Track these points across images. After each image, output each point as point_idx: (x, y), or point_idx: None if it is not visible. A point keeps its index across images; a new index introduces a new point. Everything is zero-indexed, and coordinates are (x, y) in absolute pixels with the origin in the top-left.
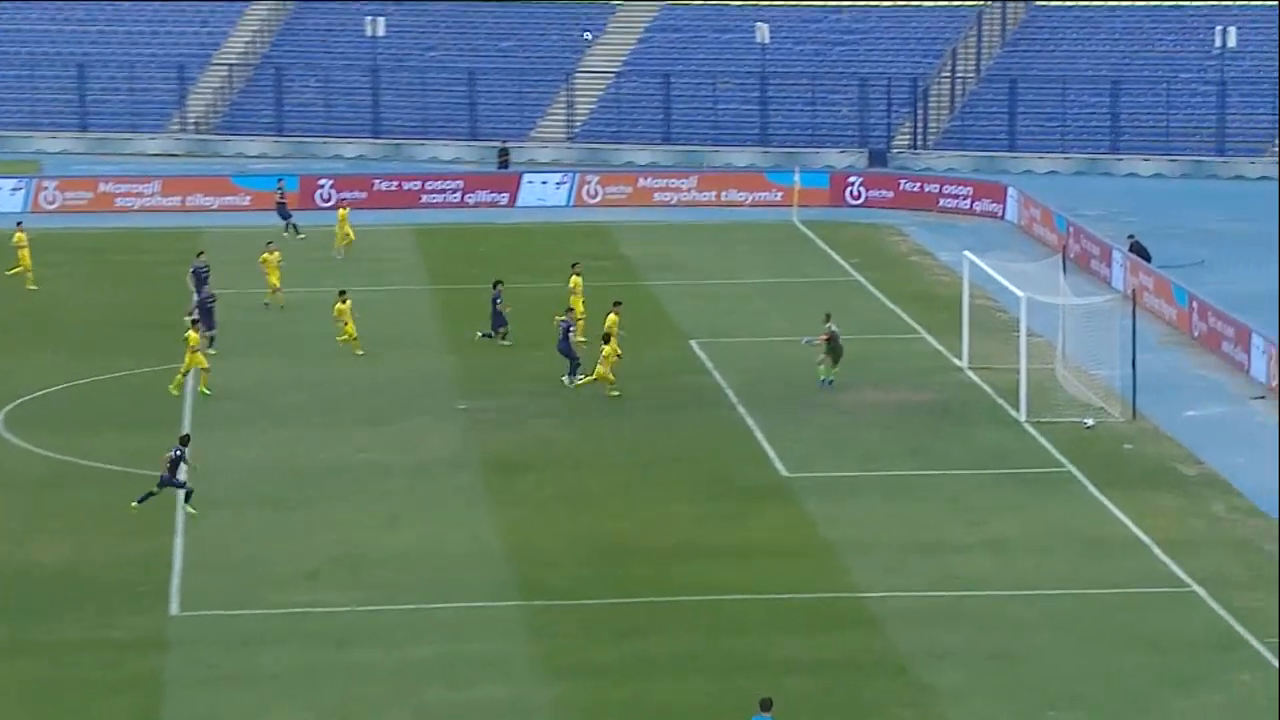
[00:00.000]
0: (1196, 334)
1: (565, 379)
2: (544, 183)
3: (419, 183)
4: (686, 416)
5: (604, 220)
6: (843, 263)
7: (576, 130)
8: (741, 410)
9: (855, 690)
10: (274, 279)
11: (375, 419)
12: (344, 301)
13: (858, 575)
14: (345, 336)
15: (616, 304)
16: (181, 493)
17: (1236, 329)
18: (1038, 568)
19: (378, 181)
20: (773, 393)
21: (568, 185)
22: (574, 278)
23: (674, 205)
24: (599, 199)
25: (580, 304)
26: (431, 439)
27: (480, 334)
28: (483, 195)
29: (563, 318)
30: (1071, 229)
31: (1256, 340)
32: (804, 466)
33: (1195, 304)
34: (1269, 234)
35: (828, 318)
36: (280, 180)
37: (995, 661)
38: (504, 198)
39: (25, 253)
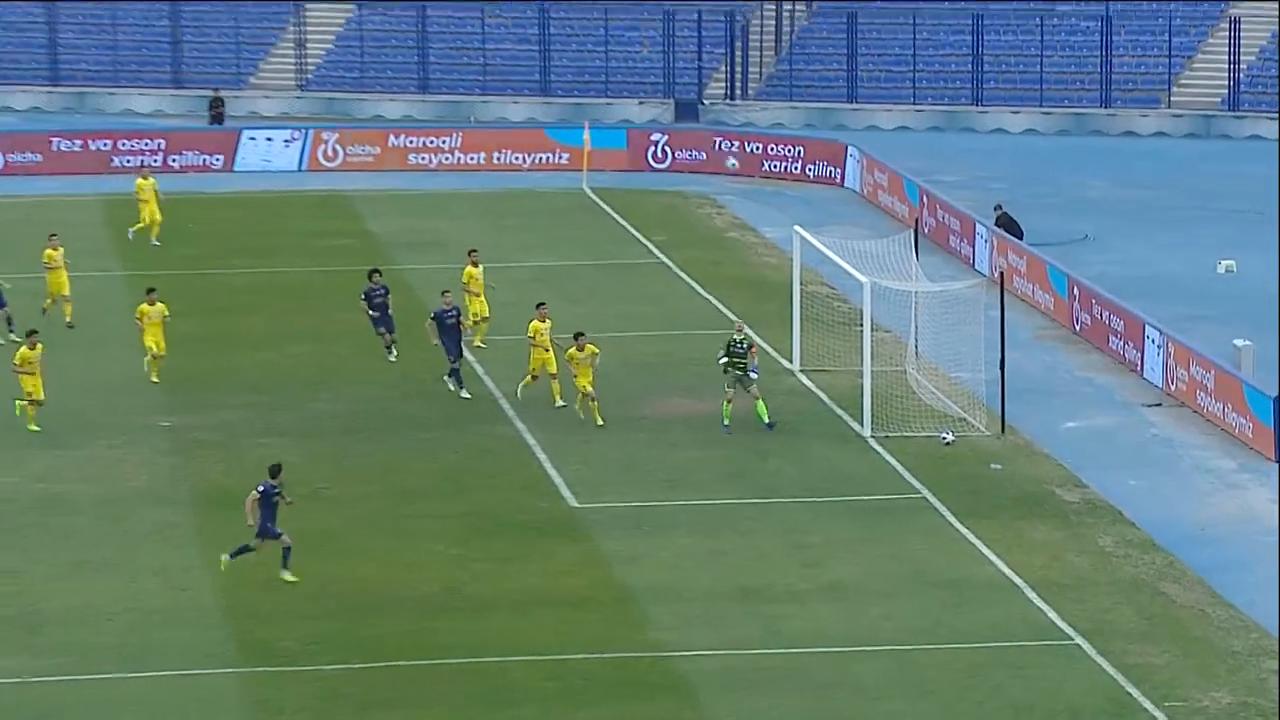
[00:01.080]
0: (1079, 327)
1: (447, 380)
2: (269, 140)
3: (109, 142)
4: (451, 435)
5: (345, 188)
6: (644, 240)
7: (309, 76)
8: (520, 425)
9: None
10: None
11: (55, 441)
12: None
13: (664, 630)
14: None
15: (540, 305)
16: (279, 546)
17: (1127, 321)
18: (886, 618)
19: (56, 140)
20: (556, 405)
21: (299, 144)
22: (469, 269)
23: (433, 170)
24: (338, 161)
25: (482, 305)
26: (126, 465)
27: (392, 353)
28: (191, 157)
29: (445, 306)
30: (926, 199)
31: (1151, 334)
32: (597, 495)
33: (1077, 290)
34: (1167, 202)
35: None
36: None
37: None
38: (218, 160)
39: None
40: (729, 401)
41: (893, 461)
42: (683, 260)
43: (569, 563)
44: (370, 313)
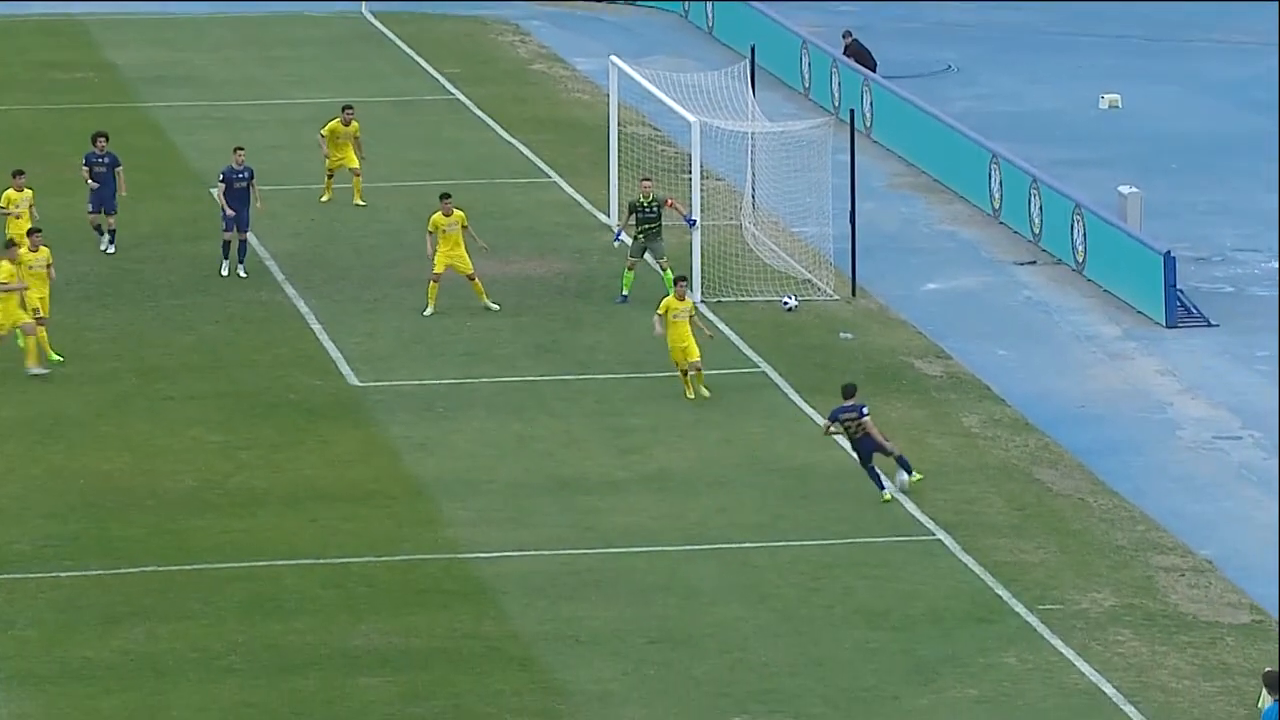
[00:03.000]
0: (937, 171)
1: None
2: None
3: None
4: (211, 301)
5: (78, 12)
6: (436, 74)
7: None
8: (291, 291)
9: (461, 692)
10: None
11: None
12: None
13: (460, 527)
14: None
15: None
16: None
17: (996, 165)
18: (720, 511)
19: None
20: (337, 267)
21: None
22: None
23: None
24: None
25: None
26: None
27: None
28: None
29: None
30: (765, 25)
31: (1022, 180)
32: (381, 372)
33: (940, 130)
34: (1043, 26)
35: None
36: None
37: (660, 647)
38: None
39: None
40: (631, 269)
41: (726, 330)
42: (482, 97)
43: (350, 451)
44: (90, 183)
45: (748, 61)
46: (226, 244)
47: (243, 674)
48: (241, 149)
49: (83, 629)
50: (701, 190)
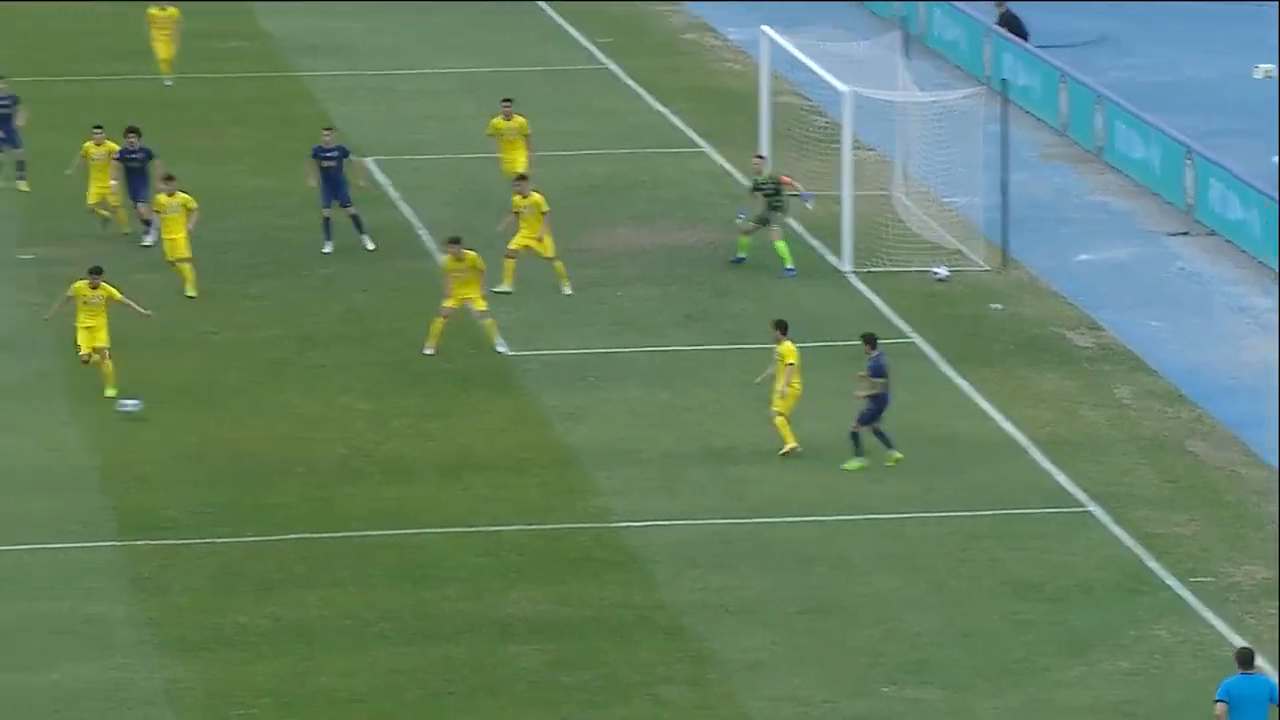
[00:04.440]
0: (1091, 142)
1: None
2: None
3: None
4: (360, 270)
5: None
6: (586, 44)
7: None
8: (440, 259)
9: (606, 660)
10: None
11: None
12: None
13: (611, 496)
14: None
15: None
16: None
17: (1150, 136)
18: (870, 481)
19: None
20: (485, 233)
21: None
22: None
23: None
24: None
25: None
26: None
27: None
28: None
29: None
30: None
31: (1177, 151)
32: (532, 341)
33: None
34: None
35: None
36: None
37: (811, 617)
38: None
39: None
40: (748, 234)
41: (876, 301)
42: (633, 67)
43: (500, 420)
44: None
45: (900, 31)
46: (326, 220)
47: (392, 641)
48: (330, 129)
49: (236, 595)
50: (853, 160)
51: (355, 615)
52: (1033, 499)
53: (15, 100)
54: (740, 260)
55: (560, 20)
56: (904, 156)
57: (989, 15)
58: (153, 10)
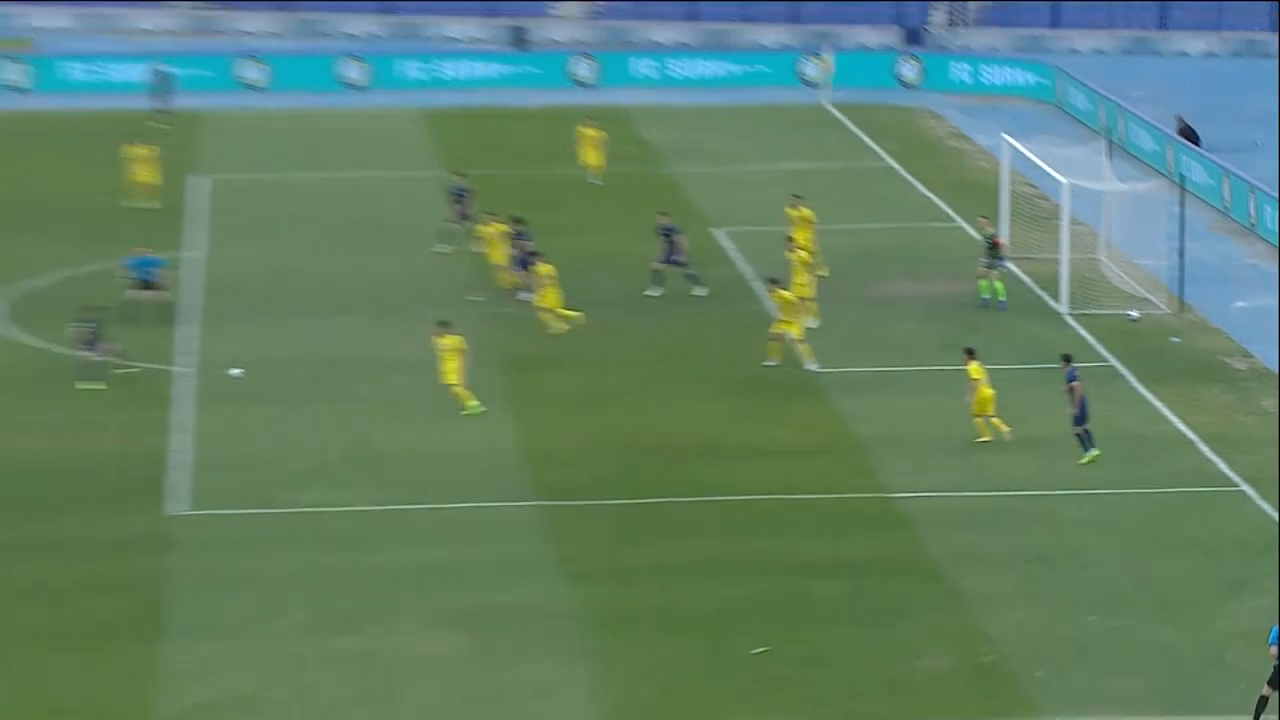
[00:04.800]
0: (1247, 220)
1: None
2: (562, 62)
3: (429, 62)
4: (710, 309)
5: (623, 102)
6: (876, 147)
7: (597, 7)
8: (768, 304)
9: (885, 594)
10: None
11: (384, 311)
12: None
13: (888, 475)
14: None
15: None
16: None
17: None
18: (1080, 466)
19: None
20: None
21: (586, 63)
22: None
23: (698, 87)
24: (619, 80)
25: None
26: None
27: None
28: (494, 74)
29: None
30: (1118, 111)
31: None
32: (833, 362)
33: (1248, 191)
34: None
35: (986, 220)
36: (159, 65)
37: (1035, 566)
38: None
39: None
40: (982, 278)
41: (1086, 335)
42: (908, 165)
43: (808, 418)
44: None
45: (1104, 139)
46: (657, 273)
47: (730, 575)
48: (665, 213)
49: (621, 542)
50: (1069, 232)
51: (707, 556)
52: (1201, 481)
53: (467, 190)
54: (987, 302)
55: (857, 130)
56: (1107, 229)
57: (1170, 126)
58: (584, 130)
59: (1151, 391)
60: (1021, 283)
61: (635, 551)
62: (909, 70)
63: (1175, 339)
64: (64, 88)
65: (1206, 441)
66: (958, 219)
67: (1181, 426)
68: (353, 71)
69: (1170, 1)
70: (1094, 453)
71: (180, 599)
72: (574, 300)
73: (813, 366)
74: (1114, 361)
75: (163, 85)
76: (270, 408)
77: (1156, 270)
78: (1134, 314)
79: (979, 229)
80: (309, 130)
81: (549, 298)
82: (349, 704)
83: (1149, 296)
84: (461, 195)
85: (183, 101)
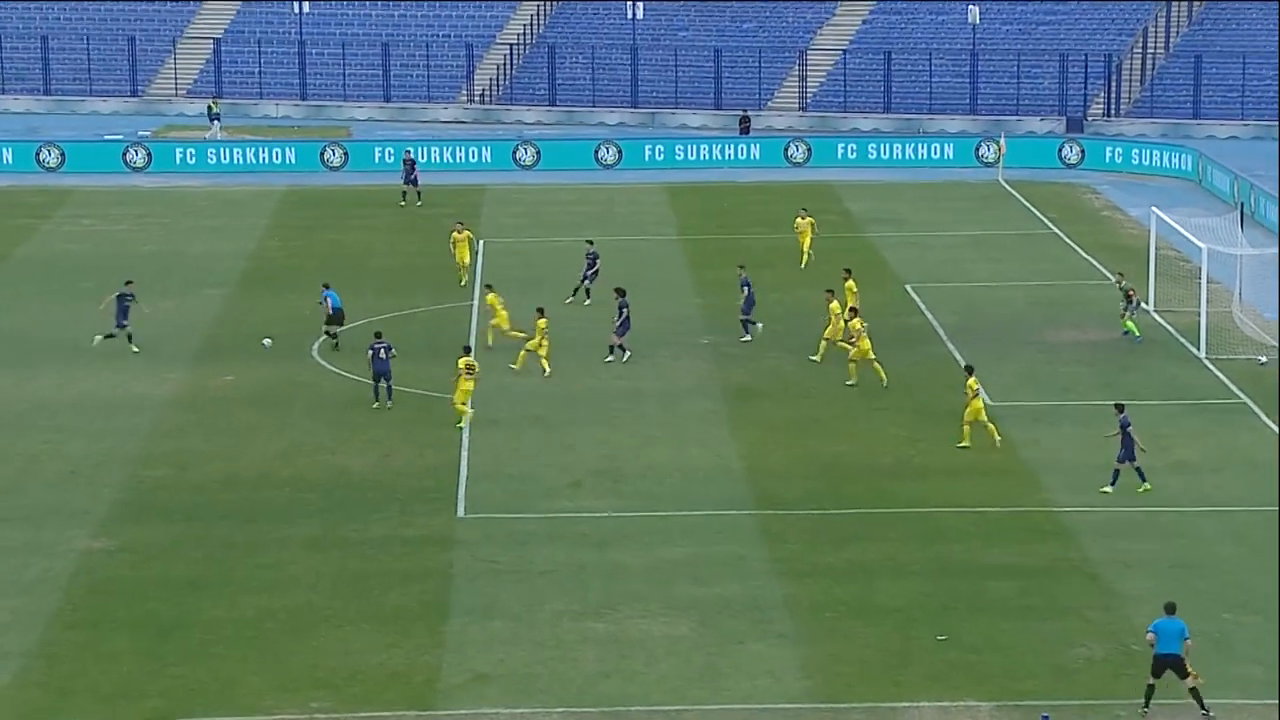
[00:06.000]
0: None
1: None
2: (778, 146)
3: (669, 145)
4: (902, 352)
5: (830, 179)
6: (1042, 217)
7: (808, 100)
8: (951, 347)
9: (1051, 593)
10: (463, 257)
11: (632, 351)
12: (492, 293)
13: (1054, 493)
14: (500, 327)
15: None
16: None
17: None
18: (1217, 488)
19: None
20: (980, 332)
21: (799, 147)
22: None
23: (892, 166)
24: (827, 160)
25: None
26: (680, 369)
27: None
28: (725, 155)
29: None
30: (1250, 187)
31: None
32: (1007, 396)
33: None
34: None
35: (1122, 276)
36: (408, 150)
37: (1177, 570)
38: (744, 157)
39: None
40: (1125, 318)
41: (1221, 376)
42: (1069, 232)
43: (985, 444)
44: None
45: (1238, 210)
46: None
47: (918, 575)
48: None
49: (824, 545)
50: (1206, 289)
51: (897, 559)
52: None
53: (596, 256)
54: (1139, 340)
55: (1025, 202)
56: (1239, 287)
57: None
58: (800, 221)
59: (1277, 425)
60: (1166, 331)
61: (837, 554)
62: (1070, 153)
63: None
64: (373, 166)
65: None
66: (1112, 278)
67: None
68: (608, 154)
69: None
70: (1146, 485)
71: (461, 587)
72: (790, 343)
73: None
74: (1245, 399)
75: (409, 169)
76: (532, 430)
77: None
78: (1263, 359)
79: (1116, 283)
80: (570, 202)
81: (862, 347)
82: (601, 676)
83: (1274, 345)
84: (593, 260)
85: (464, 179)
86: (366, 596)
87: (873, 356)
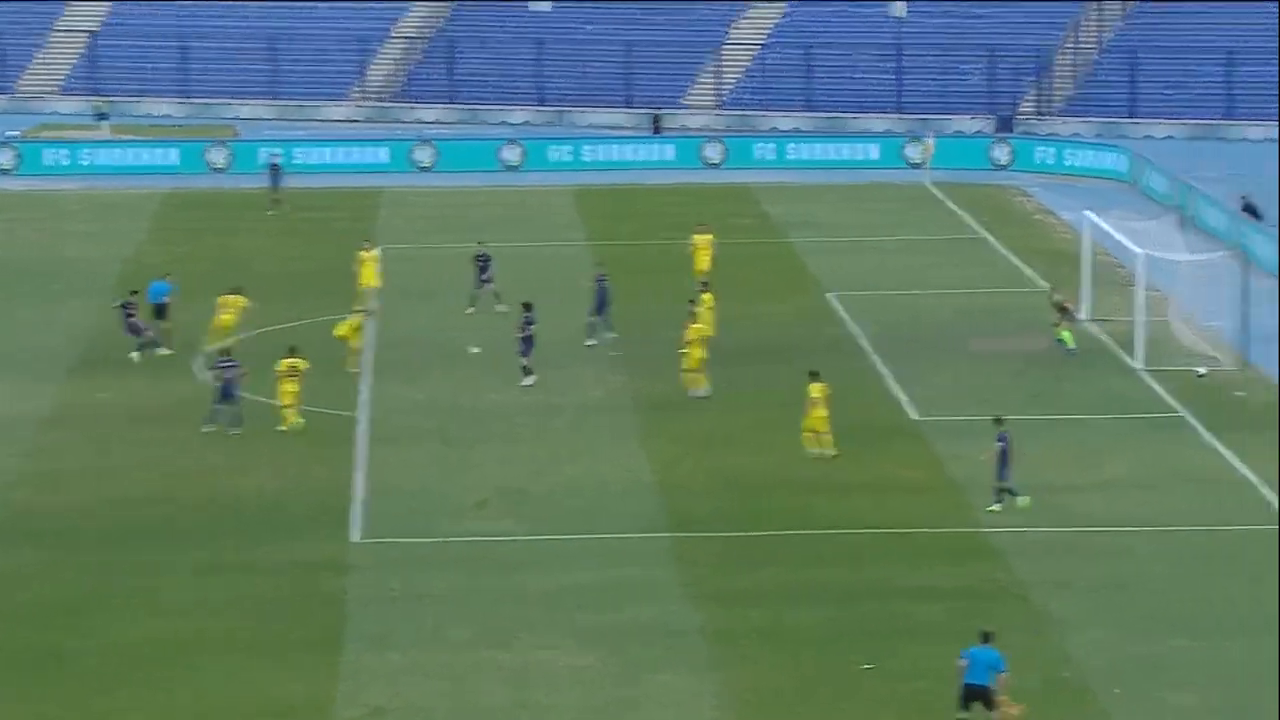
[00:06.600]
0: None
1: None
2: (693, 146)
3: (577, 145)
4: (823, 363)
5: (748, 181)
6: (970, 221)
7: (725, 98)
8: (875, 358)
9: (979, 617)
10: (368, 278)
11: (538, 364)
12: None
13: (982, 511)
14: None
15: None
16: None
17: None
18: (1152, 505)
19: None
20: (904, 342)
21: (715, 147)
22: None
23: (813, 168)
24: (745, 162)
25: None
26: (589, 381)
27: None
28: (637, 156)
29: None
30: (1188, 190)
31: None
32: (932, 410)
33: None
34: None
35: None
36: (274, 153)
37: (1112, 592)
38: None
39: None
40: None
41: (1158, 388)
42: (999, 236)
43: (910, 460)
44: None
45: (1176, 215)
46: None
47: (840, 599)
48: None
49: (736, 569)
50: (1144, 297)
51: (818, 582)
52: (1262, 519)
53: (489, 258)
54: (1074, 351)
55: (954, 206)
56: (1178, 295)
57: (1234, 204)
58: (697, 237)
59: (1217, 439)
60: (1101, 341)
61: (753, 577)
62: (1000, 153)
63: (1239, 393)
64: (261, 167)
65: (1268, 484)
66: (1044, 284)
67: (1244, 470)
68: (510, 154)
69: (1234, 93)
70: (1025, 499)
71: (357, 615)
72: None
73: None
74: (1183, 412)
75: (275, 174)
76: (433, 448)
77: (1222, 332)
78: (1201, 370)
79: (1049, 297)
80: (472, 205)
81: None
82: (503, 709)
83: (1215, 355)
84: (485, 262)
85: (362, 182)
86: (255, 625)
87: (695, 367)
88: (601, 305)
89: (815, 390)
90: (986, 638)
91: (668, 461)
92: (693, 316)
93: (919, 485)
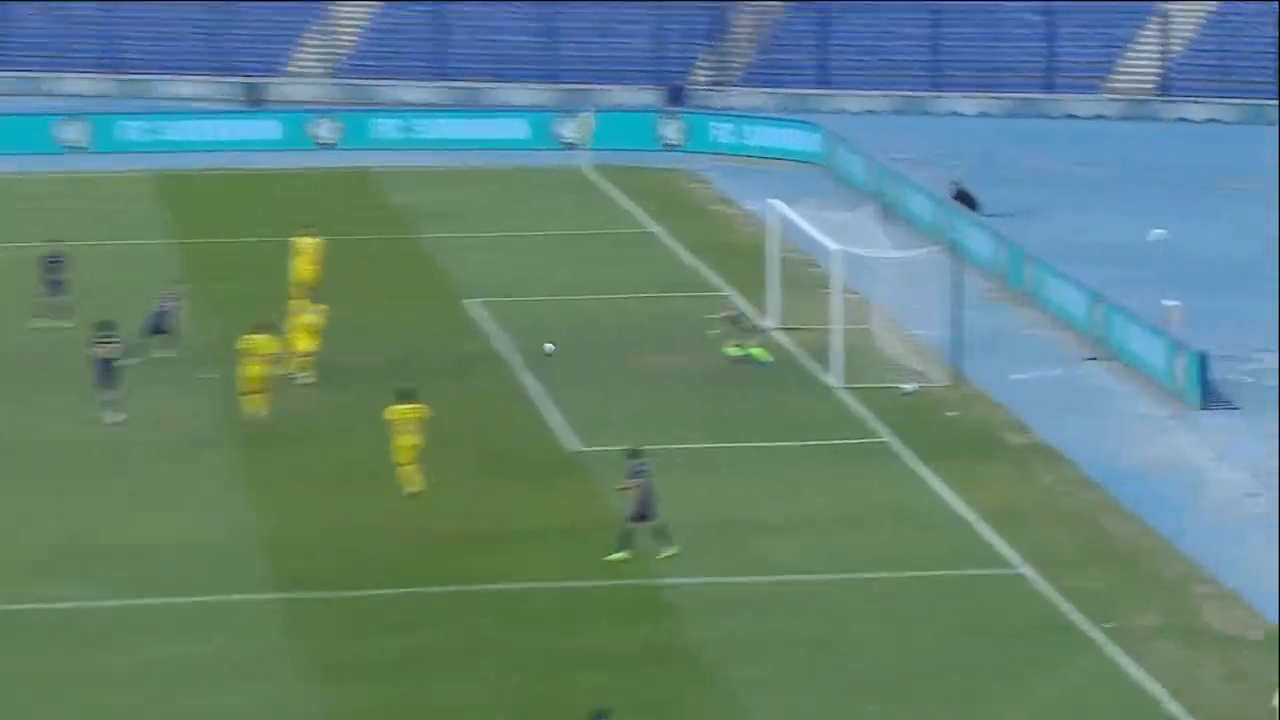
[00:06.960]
0: (1023, 288)
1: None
2: (299, 121)
3: (156, 121)
4: (463, 385)
5: (369, 164)
6: (636, 212)
7: (337, 64)
8: (526, 377)
9: (651, 685)
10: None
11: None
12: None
13: (653, 559)
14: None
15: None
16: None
17: (1067, 283)
18: (854, 548)
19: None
20: (559, 357)
21: (327, 123)
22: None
23: (448, 148)
24: (364, 141)
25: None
26: (174, 412)
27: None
28: (231, 134)
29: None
30: (889, 175)
31: (1086, 295)
32: (595, 439)
33: (1022, 257)
34: (1104, 177)
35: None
36: None
37: (807, 651)
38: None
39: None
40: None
41: (859, 409)
42: (671, 229)
43: (570, 500)
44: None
45: (875, 203)
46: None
47: (489, 669)
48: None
49: (368, 636)
50: (841, 301)
51: (461, 649)
52: (978, 561)
53: (61, 259)
54: (769, 365)
55: (617, 193)
56: (881, 299)
57: (945, 189)
58: (301, 241)
59: (927, 467)
60: (791, 354)
61: (384, 645)
62: (671, 130)
63: (951, 413)
64: None
65: (984, 519)
66: (723, 287)
67: (958, 504)
68: (72, 131)
69: (942, 59)
70: (672, 550)
71: None
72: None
73: (579, 445)
74: (888, 437)
75: None
76: None
77: (932, 341)
78: (908, 387)
79: (719, 313)
80: (21, 195)
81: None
82: None
83: (923, 369)
84: (56, 263)
85: None
86: None
87: (253, 390)
88: (156, 327)
89: (399, 413)
90: (601, 714)
91: (276, 507)
92: (277, 331)
93: (582, 528)
